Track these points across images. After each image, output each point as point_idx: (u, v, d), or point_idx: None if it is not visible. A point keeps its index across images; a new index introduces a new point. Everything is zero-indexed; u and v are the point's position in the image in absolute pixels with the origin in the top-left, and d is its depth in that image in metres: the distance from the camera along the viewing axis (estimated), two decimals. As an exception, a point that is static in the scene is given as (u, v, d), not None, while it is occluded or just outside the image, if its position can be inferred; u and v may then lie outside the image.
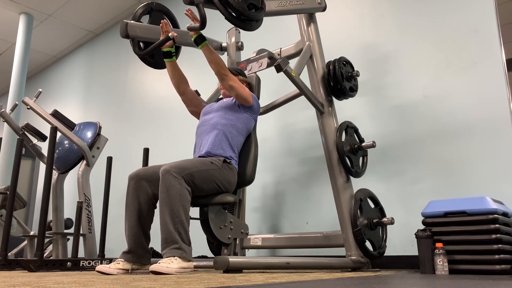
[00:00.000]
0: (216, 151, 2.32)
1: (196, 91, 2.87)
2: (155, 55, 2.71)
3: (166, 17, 2.64)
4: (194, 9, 2.27)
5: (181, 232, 1.98)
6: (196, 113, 2.64)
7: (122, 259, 2.09)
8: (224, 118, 2.40)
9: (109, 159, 3.47)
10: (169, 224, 1.97)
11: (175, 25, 2.64)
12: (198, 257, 3.21)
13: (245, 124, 2.44)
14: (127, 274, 2.03)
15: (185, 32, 2.49)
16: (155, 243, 2.26)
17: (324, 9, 2.79)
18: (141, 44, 2.68)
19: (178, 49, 2.83)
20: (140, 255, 2.13)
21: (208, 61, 2.36)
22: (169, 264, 1.87)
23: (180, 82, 2.55)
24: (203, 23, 2.16)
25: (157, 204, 2.16)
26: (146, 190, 2.18)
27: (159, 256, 3.37)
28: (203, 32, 2.31)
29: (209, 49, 2.35)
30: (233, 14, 2.08)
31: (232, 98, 2.49)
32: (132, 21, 2.42)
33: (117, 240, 4.40)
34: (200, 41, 2.33)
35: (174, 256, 1.92)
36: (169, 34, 2.39)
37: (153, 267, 1.85)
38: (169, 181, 2.02)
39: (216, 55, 2.36)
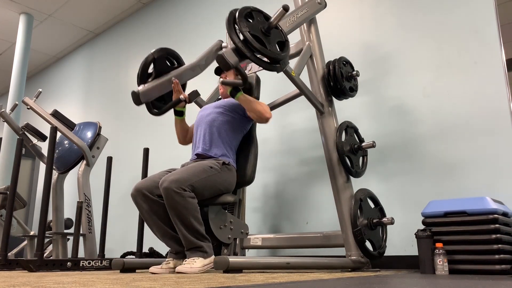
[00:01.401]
0: (212, 151, 2.33)
1: (196, 91, 2.87)
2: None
3: (170, 57, 2.61)
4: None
5: (198, 237, 2.10)
6: None
7: (171, 258, 2.19)
8: (221, 115, 2.42)
9: (109, 159, 3.47)
10: (186, 234, 2.08)
11: (180, 63, 2.63)
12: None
13: (242, 123, 2.44)
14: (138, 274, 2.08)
15: (189, 66, 2.49)
16: (156, 243, 2.27)
17: (325, 6, 2.78)
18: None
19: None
20: (183, 252, 2.18)
21: (246, 109, 2.37)
22: (192, 264, 2.00)
23: (186, 135, 2.65)
24: (245, 81, 2.22)
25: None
26: (153, 199, 2.19)
27: (159, 256, 3.38)
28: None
29: (246, 99, 2.34)
30: (268, 61, 2.08)
31: (230, 99, 2.49)
32: (141, 87, 2.43)
33: (117, 240, 4.40)
34: (235, 93, 2.34)
35: (195, 257, 2.04)
36: (181, 97, 2.44)
37: (178, 269, 2.00)
38: (172, 199, 2.05)
39: (253, 104, 2.33)
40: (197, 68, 2.48)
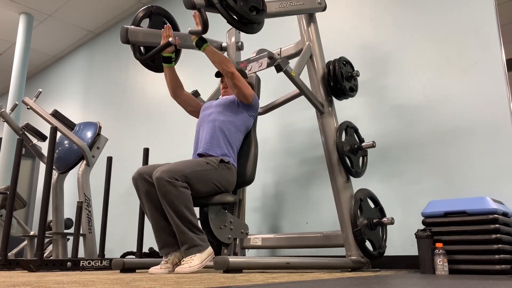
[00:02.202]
0: (213, 150, 2.33)
1: (196, 91, 2.88)
2: (156, 59, 2.71)
3: (167, 20, 2.62)
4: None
5: (191, 228, 2.08)
6: (195, 113, 2.65)
7: (167, 258, 2.16)
8: (223, 115, 2.41)
9: (109, 159, 3.47)
10: (179, 225, 2.07)
11: (175, 28, 2.63)
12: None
13: (244, 122, 2.44)
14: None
15: (186, 35, 2.49)
16: (156, 243, 2.26)
17: (324, 9, 2.80)
18: (141, 48, 2.67)
19: (177, 54, 2.82)
20: (176, 243, 2.17)
21: (212, 62, 2.37)
22: (190, 263, 2.00)
23: (176, 87, 2.57)
24: (205, 27, 2.16)
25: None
26: (151, 182, 2.18)
27: (159, 256, 3.38)
28: (205, 34, 2.31)
29: (212, 50, 2.35)
30: (235, 17, 2.07)
31: (232, 95, 2.49)
32: (132, 26, 2.41)
33: (117, 240, 4.40)
34: (201, 43, 2.33)
35: (192, 254, 2.03)
36: (170, 40, 2.38)
37: (177, 270, 1.99)
38: (164, 188, 2.05)
39: (219, 55, 2.36)
40: (189, 37, 2.44)
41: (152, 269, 2.11)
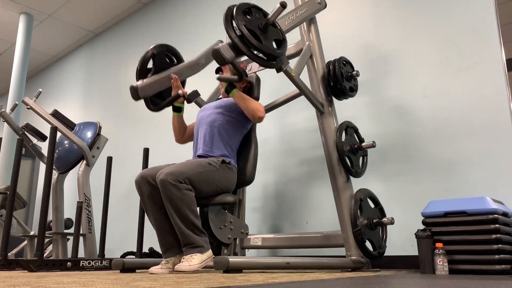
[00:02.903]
0: (213, 151, 2.33)
1: (196, 91, 2.87)
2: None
3: (170, 54, 2.61)
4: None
5: (194, 230, 2.08)
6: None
7: (168, 258, 2.17)
8: (222, 116, 2.41)
9: (109, 159, 3.47)
10: (182, 228, 2.07)
11: (179, 60, 2.63)
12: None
13: (242, 124, 2.44)
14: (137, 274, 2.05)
15: (189, 64, 2.50)
16: (156, 243, 2.27)
17: (325, 6, 2.78)
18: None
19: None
20: (179, 246, 2.18)
21: (240, 107, 2.38)
22: (190, 261, 1.99)
23: (183, 132, 2.62)
24: (241, 77, 2.19)
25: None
26: (154, 185, 2.19)
27: (159, 256, 3.38)
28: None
29: (240, 96, 2.36)
30: (264, 58, 2.08)
31: (231, 99, 2.48)
32: (139, 82, 2.43)
33: (117, 240, 4.40)
34: (230, 89, 2.35)
35: (193, 254, 2.03)
36: (180, 92, 2.43)
37: (176, 268, 1.99)
38: (168, 191, 2.05)
39: (247, 102, 2.35)
40: (197, 66, 2.48)
41: (153, 269, 2.10)
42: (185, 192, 2.07)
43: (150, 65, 2.49)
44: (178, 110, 2.55)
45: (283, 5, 2.02)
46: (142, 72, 2.47)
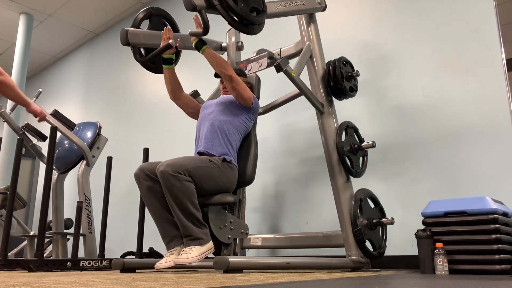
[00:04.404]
0: (214, 149, 2.33)
1: (196, 91, 2.87)
2: (156, 60, 2.71)
3: (167, 22, 2.62)
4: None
5: (194, 222, 2.07)
6: (195, 114, 2.64)
7: (173, 249, 2.15)
8: (223, 114, 2.41)
9: (109, 159, 3.47)
10: (182, 219, 2.06)
11: (175, 29, 2.64)
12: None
13: (243, 123, 2.44)
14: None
15: (186, 36, 2.49)
16: (155, 243, 2.27)
17: (324, 9, 2.80)
18: (142, 50, 2.67)
19: (178, 55, 2.82)
20: (181, 236, 2.16)
21: (211, 65, 2.37)
22: (189, 254, 1.98)
23: (176, 89, 2.57)
24: (205, 29, 2.16)
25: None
26: (153, 178, 2.19)
27: (159, 256, 3.37)
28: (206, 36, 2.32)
29: (211, 52, 2.36)
30: (236, 18, 2.08)
31: (231, 97, 2.48)
32: (132, 28, 2.41)
33: (117, 240, 4.40)
34: (200, 45, 2.34)
35: (192, 246, 2.02)
36: (170, 41, 2.38)
37: (175, 261, 1.97)
38: (168, 182, 2.05)
39: (218, 58, 2.36)
40: (189, 37, 2.44)
41: (159, 264, 2.07)
42: (185, 184, 2.07)
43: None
44: (168, 62, 2.49)
45: None
46: (135, 24, 2.43)
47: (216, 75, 2.56)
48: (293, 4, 2.57)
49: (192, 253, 1.98)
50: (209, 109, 2.49)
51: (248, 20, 2.07)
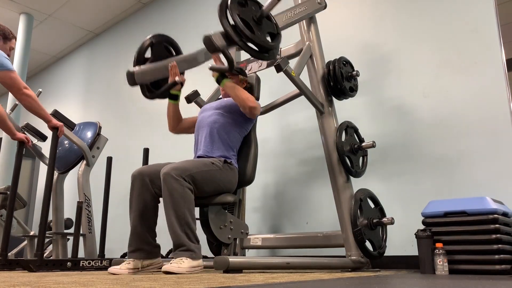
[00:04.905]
0: (213, 152, 2.33)
1: (196, 91, 2.87)
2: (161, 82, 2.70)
3: (169, 45, 2.61)
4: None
5: (188, 233, 2.01)
6: (193, 129, 2.62)
7: (131, 259, 2.12)
8: (223, 117, 2.40)
9: (109, 159, 3.47)
10: (176, 227, 2.00)
11: (178, 51, 2.63)
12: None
13: (243, 124, 2.44)
14: (137, 273, 2.06)
15: (189, 57, 2.49)
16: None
17: (325, 7, 2.79)
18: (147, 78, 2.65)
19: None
20: (148, 251, 2.16)
21: (230, 95, 2.37)
22: (180, 264, 1.91)
23: (177, 123, 2.60)
24: (231, 66, 2.16)
25: (161, 200, 2.18)
26: (149, 187, 2.19)
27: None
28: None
29: (231, 85, 2.35)
30: (256, 48, 2.07)
31: (231, 100, 2.48)
32: (136, 68, 2.40)
33: (117, 240, 4.39)
34: (221, 79, 2.35)
35: (184, 257, 1.96)
36: (177, 79, 2.42)
37: (165, 268, 1.90)
38: (171, 185, 2.03)
39: (238, 91, 2.33)
40: (195, 60, 2.47)
41: (112, 269, 2.06)
42: (187, 191, 2.05)
43: (148, 55, 2.47)
44: (174, 98, 2.51)
45: None
46: (139, 60, 2.45)
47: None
48: (297, 12, 2.57)
49: (183, 264, 1.91)
50: (208, 112, 2.48)
51: (268, 48, 2.08)
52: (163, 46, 2.53)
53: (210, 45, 1.99)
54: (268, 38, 2.12)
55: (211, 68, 2.30)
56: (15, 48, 3.02)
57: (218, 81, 2.35)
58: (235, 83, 2.39)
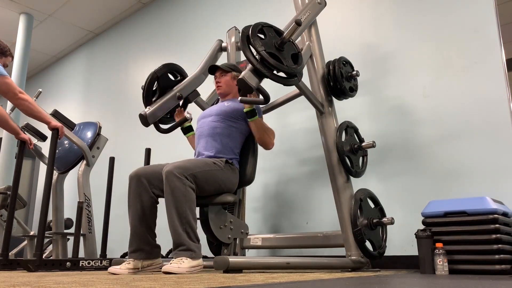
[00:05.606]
0: (216, 155, 2.33)
1: (196, 91, 2.87)
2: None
3: (171, 74, 2.71)
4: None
5: (189, 232, 2.02)
6: None
7: (131, 259, 2.12)
8: (222, 122, 2.42)
9: (112, 160, 3.48)
10: (177, 226, 2.01)
11: (183, 76, 2.72)
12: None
13: (242, 128, 2.45)
14: (137, 273, 2.06)
15: (191, 80, 2.67)
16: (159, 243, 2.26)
17: (325, 4, 2.77)
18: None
19: (186, 104, 2.88)
20: (148, 251, 2.17)
21: (254, 132, 2.41)
22: (180, 264, 1.91)
23: None
24: (267, 99, 2.15)
25: (160, 200, 2.19)
26: (147, 188, 2.19)
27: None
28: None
29: (260, 124, 2.40)
30: (285, 76, 2.08)
31: (231, 105, 2.47)
32: (147, 109, 2.55)
33: (118, 240, 4.39)
34: (254, 115, 2.37)
35: (184, 257, 1.96)
36: (186, 115, 2.64)
37: (165, 268, 1.91)
38: (173, 183, 2.03)
39: (267, 131, 2.43)
40: (201, 76, 2.66)
41: (112, 268, 2.07)
42: (189, 189, 2.06)
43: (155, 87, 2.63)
44: (187, 131, 2.72)
45: (298, 23, 2.00)
46: (148, 97, 2.58)
47: (210, 70, 2.57)
48: (303, 19, 2.56)
49: (183, 264, 1.91)
50: (208, 118, 2.49)
51: (295, 73, 2.09)
52: (168, 75, 2.67)
53: (246, 87, 2.00)
54: (291, 61, 2.10)
55: (245, 101, 2.26)
56: (9, 65, 3.03)
57: (249, 116, 2.36)
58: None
